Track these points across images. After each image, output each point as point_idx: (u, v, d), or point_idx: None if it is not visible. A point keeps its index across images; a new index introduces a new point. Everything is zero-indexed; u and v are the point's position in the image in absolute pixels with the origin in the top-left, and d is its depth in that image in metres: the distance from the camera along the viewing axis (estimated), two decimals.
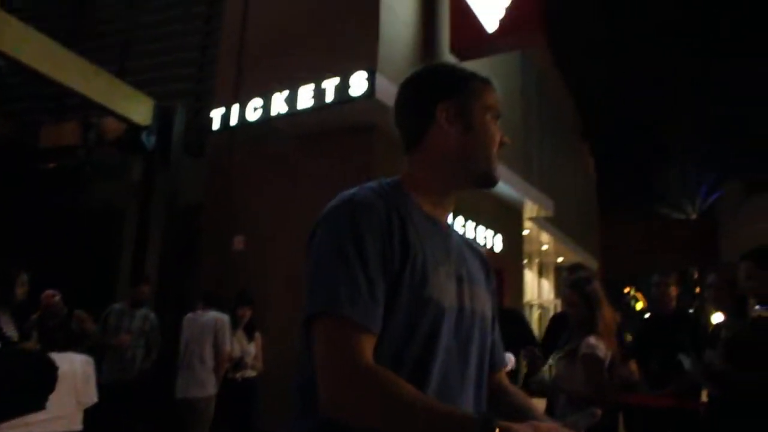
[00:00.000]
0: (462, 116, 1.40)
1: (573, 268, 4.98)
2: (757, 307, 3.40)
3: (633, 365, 4.42)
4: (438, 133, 1.40)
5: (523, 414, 1.41)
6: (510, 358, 4.56)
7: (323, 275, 1.19)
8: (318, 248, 1.24)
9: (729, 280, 3.58)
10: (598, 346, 3.35)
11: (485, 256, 1.57)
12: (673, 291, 4.92)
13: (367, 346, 1.15)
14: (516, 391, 1.54)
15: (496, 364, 1.51)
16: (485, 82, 1.46)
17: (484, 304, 1.42)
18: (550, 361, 3.80)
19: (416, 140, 1.43)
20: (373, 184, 1.35)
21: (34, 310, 5.76)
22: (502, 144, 1.43)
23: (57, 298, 5.89)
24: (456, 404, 1.25)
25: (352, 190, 1.30)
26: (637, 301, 23.86)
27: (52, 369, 3.94)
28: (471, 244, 1.54)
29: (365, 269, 1.18)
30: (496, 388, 1.51)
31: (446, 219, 1.46)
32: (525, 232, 13.53)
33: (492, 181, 1.43)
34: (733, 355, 3.33)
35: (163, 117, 7.76)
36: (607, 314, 3.54)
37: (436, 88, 1.43)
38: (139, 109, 7.46)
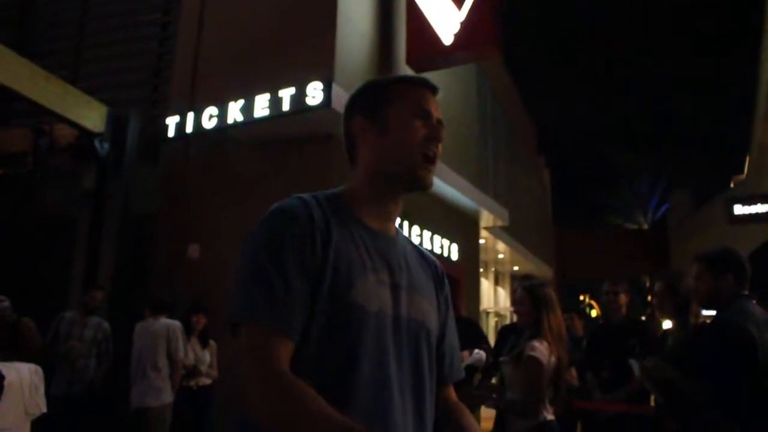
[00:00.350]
0: (375, 123, 1.39)
1: (527, 277, 5.10)
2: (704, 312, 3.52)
3: (573, 371, 4.52)
4: (361, 146, 1.43)
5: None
6: (482, 354, 4.63)
7: (243, 284, 1.22)
8: (242, 257, 1.27)
9: (672, 287, 3.69)
10: (541, 349, 3.40)
11: (440, 268, 1.56)
12: (623, 298, 5.05)
13: (282, 350, 1.17)
14: (458, 410, 1.49)
15: (446, 377, 1.49)
16: (411, 83, 1.45)
17: (426, 314, 1.39)
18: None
19: (351, 157, 1.47)
20: (310, 195, 1.36)
21: None
22: (431, 140, 1.38)
23: (5, 303, 5.74)
24: (388, 413, 1.23)
25: (284, 201, 1.32)
26: (592, 308, 24.26)
27: None
28: (424, 256, 1.54)
29: (283, 277, 1.20)
30: (443, 403, 1.49)
31: (390, 227, 1.44)
32: (481, 242, 13.67)
33: (418, 181, 1.38)
34: (675, 361, 3.42)
35: (116, 124, 7.66)
36: (557, 320, 3.61)
37: (353, 104, 1.46)
38: (92, 116, 7.36)
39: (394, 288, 1.33)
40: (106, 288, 6.70)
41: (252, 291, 1.20)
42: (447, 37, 8.23)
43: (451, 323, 1.54)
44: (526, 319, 3.66)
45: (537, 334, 3.49)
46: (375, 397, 1.22)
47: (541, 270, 20.32)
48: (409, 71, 8.37)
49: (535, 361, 3.36)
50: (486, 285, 16.87)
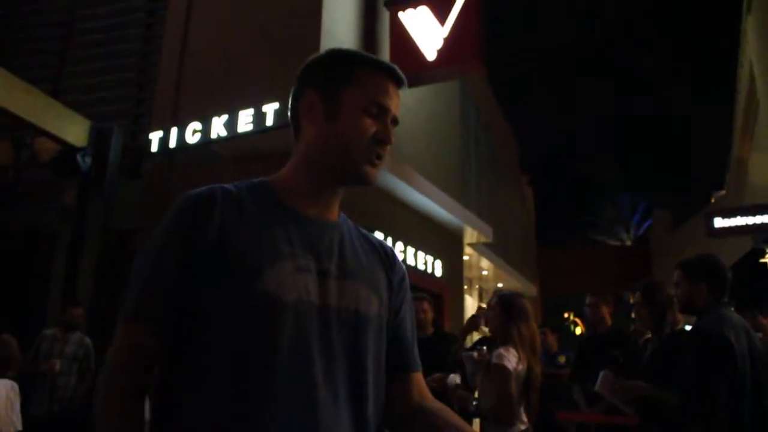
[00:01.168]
0: (326, 104, 1.29)
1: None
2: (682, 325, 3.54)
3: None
4: (306, 125, 1.32)
5: None
6: (455, 378, 4.60)
7: (132, 279, 1.21)
8: None
9: (648, 297, 3.71)
10: (508, 357, 3.41)
11: (389, 251, 1.44)
12: (606, 310, 5.08)
13: (138, 338, 1.15)
14: (434, 407, 1.35)
15: (402, 366, 1.37)
16: (376, 68, 1.32)
17: (363, 301, 1.27)
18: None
19: (296, 131, 1.36)
20: (233, 183, 1.30)
21: None
22: (380, 142, 1.28)
23: None
24: (314, 413, 1.13)
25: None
26: (576, 325, 24.28)
27: None
28: (370, 240, 1.42)
29: (156, 269, 1.18)
30: (406, 398, 1.35)
31: (327, 215, 1.33)
32: (465, 258, 13.68)
33: (360, 178, 1.29)
34: (651, 370, 3.45)
35: (99, 138, 7.58)
36: (528, 330, 3.62)
37: (309, 73, 1.34)
38: (75, 130, 7.29)
39: (322, 275, 1.22)
40: (86, 304, 6.60)
41: (129, 289, 1.19)
42: (430, 53, 8.29)
43: (408, 310, 1.42)
44: (497, 327, 3.67)
45: (506, 342, 3.50)
46: (298, 396, 1.12)
47: (525, 286, 20.34)
48: None
49: (502, 369, 3.37)
50: (470, 302, 16.83)
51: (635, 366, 3.88)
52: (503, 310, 3.62)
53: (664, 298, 3.61)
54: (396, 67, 1.34)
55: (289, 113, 1.38)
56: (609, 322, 5.07)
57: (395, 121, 1.33)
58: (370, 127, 1.27)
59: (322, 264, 1.24)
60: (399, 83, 1.33)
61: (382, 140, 1.28)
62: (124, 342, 1.16)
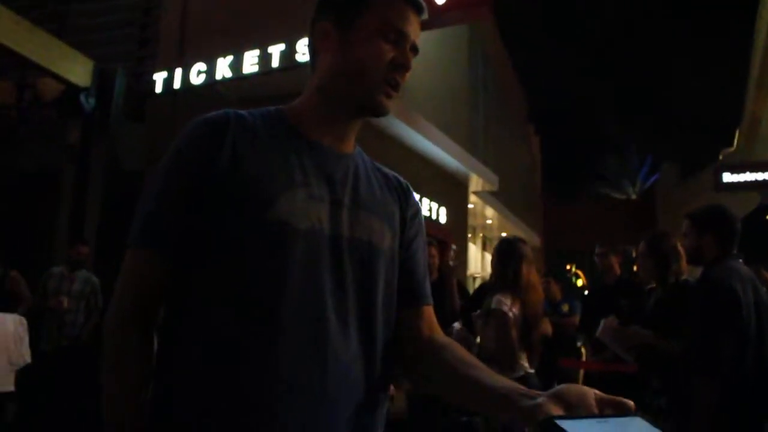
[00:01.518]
0: (341, 30, 1.23)
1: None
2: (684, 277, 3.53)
3: (546, 322, 4.57)
4: (321, 54, 1.26)
5: (463, 375, 1.15)
6: (457, 326, 4.65)
7: (139, 207, 1.18)
8: None
9: (653, 247, 3.70)
10: (504, 301, 3.45)
11: (404, 184, 1.40)
12: (615, 261, 5.10)
13: (149, 267, 1.13)
14: (449, 344, 1.27)
15: (412, 299, 1.32)
16: None
17: (376, 233, 1.24)
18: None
19: (312, 67, 1.30)
20: (247, 110, 1.25)
21: None
22: (398, 67, 1.21)
23: None
24: (323, 345, 1.10)
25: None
26: (578, 278, 24.44)
27: None
28: (386, 174, 1.38)
29: (163, 194, 1.15)
30: (415, 329, 1.30)
31: (343, 146, 1.28)
32: (470, 206, 13.69)
33: (374, 107, 1.23)
34: (654, 320, 3.45)
35: (103, 79, 7.54)
36: (529, 273, 3.64)
37: (322, 6, 1.28)
38: (78, 70, 7.23)
39: (334, 204, 1.19)
40: (92, 244, 6.64)
41: (137, 214, 1.17)
42: None
43: (420, 244, 1.39)
44: (494, 271, 3.70)
45: (502, 288, 3.53)
46: (307, 326, 1.10)
47: (529, 237, 20.39)
48: None
49: (498, 313, 3.42)
50: (474, 250, 16.93)
51: (641, 315, 3.89)
52: (499, 254, 3.64)
53: (669, 248, 3.58)
54: None
55: (307, 47, 1.33)
56: (618, 272, 5.09)
57: (415, 49, 1.26)
58: (388, 52, 1.20)
59: (336, 194, 1.20)
60: (419, 10, 1.26)
61: (401, 65, 1.21)
62: (131, 269, 1.14)
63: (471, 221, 14.58)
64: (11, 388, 4.39)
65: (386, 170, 1.39)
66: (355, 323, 1.17)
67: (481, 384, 1.09)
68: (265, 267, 1.10)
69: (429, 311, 1.35)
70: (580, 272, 27.94)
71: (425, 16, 1.27)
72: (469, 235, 14.70)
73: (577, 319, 6.10)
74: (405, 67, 1.22)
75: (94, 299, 5.88)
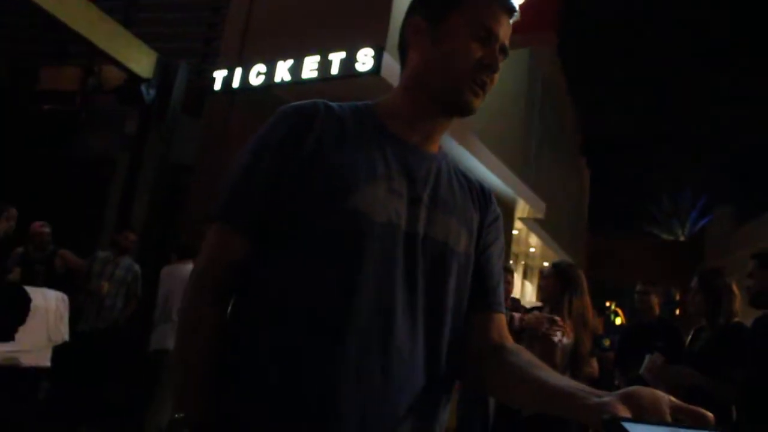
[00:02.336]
0: (432, 27, 1.23)
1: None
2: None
3: (594, 364, 4.44)
4: (412, 51, 1.28)
5: (529, 375, 1.11)
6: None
7: (223, 183, 1.20)
8: None
9: (705, 283, 3.58)
10: (555, 328, 3.33)
11: (487, 189, 1.39)
12: (654, 300, 4.97)
13: (232, 243, 1.15)
14: (518, 349, 1.24)
15: (484, 304, 1.29)
16: None
17: (452, 234, 1.22)
18: None
19: (403, 62, 1.32)
20: (336, 103, 1.26)
21: (22, 245, 5.73)
22: (486, 67, 1.21)
23: (46, 230, 5.84)
24: (388, 338, 1.09)
25: None
26: (617, 315, 23.99)
27: (25, 301, 3.90)
28: (468, 177, 1.37)
29: (250, 174, 1.17)
30: (484, 334, 1.27)
31: (428, 145, 1.29)
32: (515, 232, 13.54)
33: (460, 105, 1.23)
34: (702, 360, 3.33)
35: (165, 72, 7.68)
36: (581, 303, 3.51)
37: (415, 4, 1.30)
38: (142, 61, 7.37)
39: (413, 202, 1.19)
40: (139, 232, 6.74)
41: (222, 191, 1.19)
42: None
43: (496, 251, 1.35)
44: (548, 297, 3.58)
45: (556, 312, 3.41)
46: (375, 317, 1.09)
47: None
48: None
49: (547, 340, 3.30)
50: (515, 278, 16.73)
51: (677, 359, 3.77)
52: (557, 278, 3.52)
53: (722, 285, 3.48)
54: None
55: (398, 47, 1.34)
56: (657, 311, 4.96)
57: (504, 51, 1.25)
58: (477, 51, 1.20)
59: (416, 191, 1.20)
60: (510, 11, 1.25)
61: (488, 65, 1.21)
62: (214, 243, 1.17)
63: (514, 248, 14.43)
64: (48, 363, 4.44)
65: (469, 175, 1.39)
66: (423, 321, 1.15)
67: (547, 384, 1.06)
68: (339, 256, 1.10)
69: (500, 318, 1.32)
70: (619, 310, 27.41)
71: (517, 17, 1.27)
72: (511, 262, 14.53)
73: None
74: (492, 67, 1.22)
75: (134, 286, 5.96)
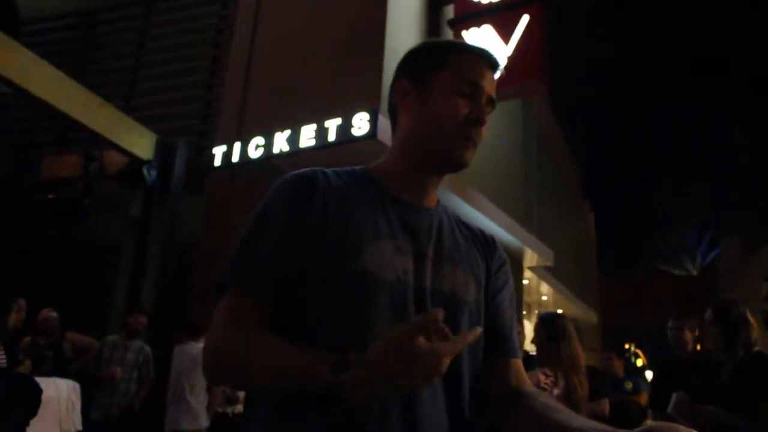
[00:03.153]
0: (419, 89, 1.27)
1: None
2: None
3: (604, 403, 4.37)
4: (401, 113, 1.32)
5: (549, 419, 1.10)
6: None
7: (228, 253, 1.20)
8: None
9: (720, 315, 3.53)
10: (541, 379, 3.32)
11: (490, 237, 1.41)
12: (689, 335, 4.89)
13: (248, 312, 1.13)
14: (537, 393, 1.24)
15: (499, 351, 1.29)
16: (468, 52, 1.29)
17: (460, 285, 1.23)
18: None
19: (393, 125, 1.36)
20: (332, 169, 1.29)
21: (30, 334, 5.72)
22: (473, 122, 1.24)
23: (53, 315, 5.84)
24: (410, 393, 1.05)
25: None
26: (637, 357, 23.60)
27: (36, 393, 3.86)
28: (470, 227, 1.40)
29: (261, 243, 1.16)
30: (502, 380, 1.26)
31: (425, 201, 1.31)
32: (525, 282, 13.45)
33: (453, 161, 1.26)
34: (725, 393, 3.27)
35: (165, 152, 7.78)
36: (571, 350, 3.49)
37: (402, 65, 1.34)
38: (142, 143, 7.49)
39: (419, 257, 1.21)
40: (147, 312, 6.73)
41: (231, 258, 1.18)
42: None
43: (506, 296, 1.36)
44: (538, 348, 3.58)
45: (546, 363, 3.40)
46: None
47: (586, 314, 19.88)
48: None
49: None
50: (529, 328, 16.52)
51: (713, 390, 3.69)
52: (544, 329, 3.53)
53: (738, 316, 3.43)
54: (489, 50, 1.31)
55: (388, 110, 1.38)
56: (690, 346, 4.89)
57: (492, 102, 1.29)
58: (463, 107, 1.24)
59: (420, 247, 1.22)
60: (493, 66, 1.29)
61: (476, 119, 1.24)
62: (229, 313, 1.14)
63: (526, 298, 14.32)
64: None
65: (471, 224, 1.42)
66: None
67: (567, 426, 1.04)
68: (352, 317, 1.10)
69: (517, 364, 1.31)
70: (639, 351, 27.00)
71: (500, 72, 1.30)
72: (524, 312, 14.39)
73: (642, 397, 5.85)
74: (479, 121, 1.25)
75: (146, 369, 5.91)
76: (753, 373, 3.13)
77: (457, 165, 1.27)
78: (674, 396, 3.37)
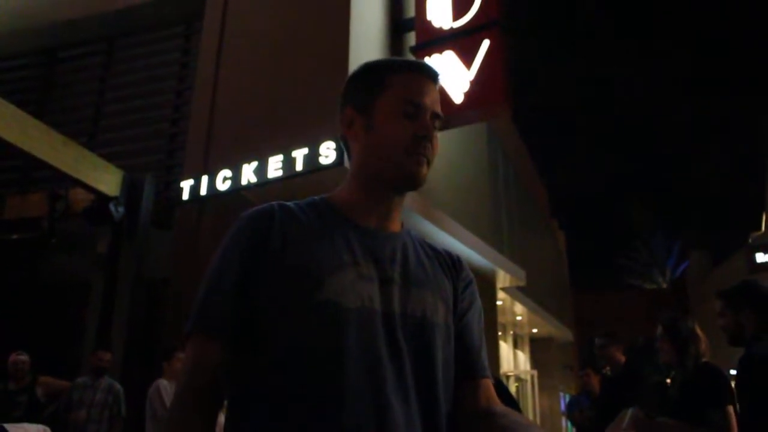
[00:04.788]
0: (363, 116, 1.29)
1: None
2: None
3: None
4: (351, 141, 1.34)
5: None
6: None
7: (194, 301, 1.21)
8: None
9: (669, 330, 3.62)
10: None
11: (455, 257, 1.41)
12: (615, 351, 5.00)
13: (207, 350, 1.15)
14: (507, 412, 1.23)
15: (469, 371, 1.29)
16: (407, 70, 1.30)
17: (428, 307, 1.23)
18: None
19: (348, 154, 1.38)
20: (292, 202, 1.31)
21: None
22: (421, 140, 1.24)
23: (23, 358, 5.72)
24: (384, 420, 1.08)
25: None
26: None
27: None
28: (435, 249, 1.40)
29: (218, 284, 1.19)
30: (472, 401, 1.27)
31: (389, 225, 1.32)
32: (498, 303, 13.50)
33: (407, 181, 1.26)
34: (676, 405, 3.34)
35: (131, 188, 7.71)
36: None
37: (345, 92, 1.36)
38: (108, 180, 7.42)
39: (384, 282, 1.20)
40: (119, 353, 6.62)
41: (194, 308, 1.20)
42: (458, 95, 8.32)
43: (474, 316, 1.37)
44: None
45: None
46: (367, 402, 1.09)
47: (561, 332, 19.97)
48: None
49: None
50: (505, 348, 16.56)
51: (665, 404, 3.77)
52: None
53: (687, 330, 3.52)
54: (426, 62, 1.34)
55: (341, 138, 1.40)
56: (622, 362, 5.00)
57: (437, 117, 1.30)
58: (408, 128, 1.25)
59: (385, 272, 1.22)
60: (433, 78, 1.31)
61: (423, 136, 1.25)
62: (190, 356, 1.17)
63: (500, 318, 14.35)
64: None
65: (435, 245, 1.41)
66: (416, 400, 1.15)
67: None
68: (320, 348, 1.11)
69: (486, 384, 1.32)
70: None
71: (440, 80, 1.33)
72: (500, 333, 14.42)
73: None
74: (426, 137, 1.25)
75: (117, 408, 5.80)
76: (700, 383, 3.21)
77: (411, 183, 1.27)
78: (630, 411, 3.41)
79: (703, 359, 3.40)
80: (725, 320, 3.03)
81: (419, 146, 1.25)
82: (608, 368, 5.30)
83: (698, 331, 3.42)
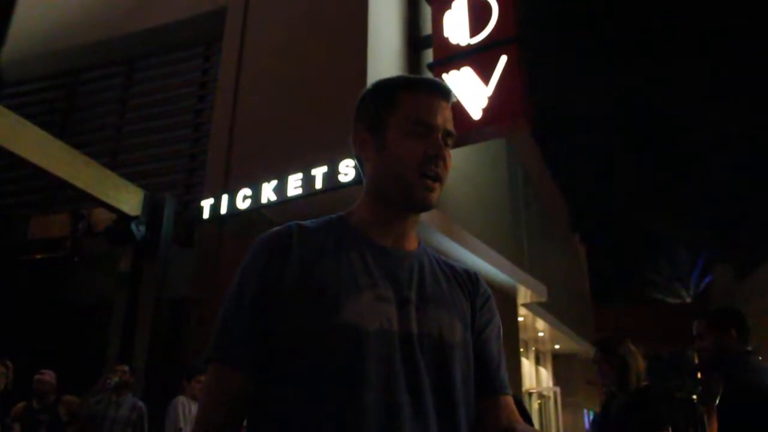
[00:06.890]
0: (375, 136, 1.29)
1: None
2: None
3: None
4: (365, 163, 1.34)
5: None
6: None
7: (214, 326, 1.22)
8: None
9: (606, 352, 3.61)
10: None
11: (473, 274, 1.40)
12: (609, 369, 4.94)
13: (227, 383, 1.16)
14: (524, 429, 1.25)
15: (489, 388, 1.28)
16: (418, 88, 1.30)
17: (446, 326, 1.23)
18: None
19: (362, 173, 1.38)
20: (311, 220, 1.31)
21: (24, 398, 5.63)
22: (432, 159, 1.24)
23: (46, 377, 5.73)
24: None
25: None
26: None
27: None
28: (453, 266, 1.39)
29: (236, 311, 1.19)
30: (493, 419, 1.26)
31: (405, 244, 1.31)
32: (520, 319, 13.40)
33: (417, 203, 1.26)
34: (618, 428, 3.35)
35: (153, 207, 7.78)
36: None
37: (357, 112, 1.36)
38: (130, 200, 7.49)
39: (402, 303, 1.20)
40: (141, 371, 6.64)
41: (214, 334, 1.21)
42: (476, 111, 8.31)
43: (493, 332, 1.36)
44: None
45: None
46: (384, 424, 1.08)
47: (584, 348, 19.76)
48: None
49: None
50: (527, 365, 16.40)
51: (606, 423, 3.77)
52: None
53: (626, 350, 3.53)
54: (439, 80, 1.33)
55: (354, 158, 1.40)
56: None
57: (449, 135, 1.29)
58: (419, 147, 1.24)
59: (402, 292, 1.22)
60: (445, 96, 1.30)
61: (434, 155, 1.24)
62: (210, 384, 1.19)
63: (522, 335, 14.23)
64: None
65: (452, 263, 1.40)
66: (436, 421, 1.14)
67: None
68: (339, 371, 1.10)
69: (507, 400, 1.30)
70: None
71: (454, 99, 1.32)
72: (521, 350, 14.30)
73: None
74: (438, 156, 1.24)
75: (140, 426, 5.79)
76: (638, 408, 3.24)
77: (422, 206, 1.27)
78: None
79: (643, 382, 3.43)
80: (708, 341, 3.03)
81: (430, 166, 1.24)
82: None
83: (634, 350, 3.45)
